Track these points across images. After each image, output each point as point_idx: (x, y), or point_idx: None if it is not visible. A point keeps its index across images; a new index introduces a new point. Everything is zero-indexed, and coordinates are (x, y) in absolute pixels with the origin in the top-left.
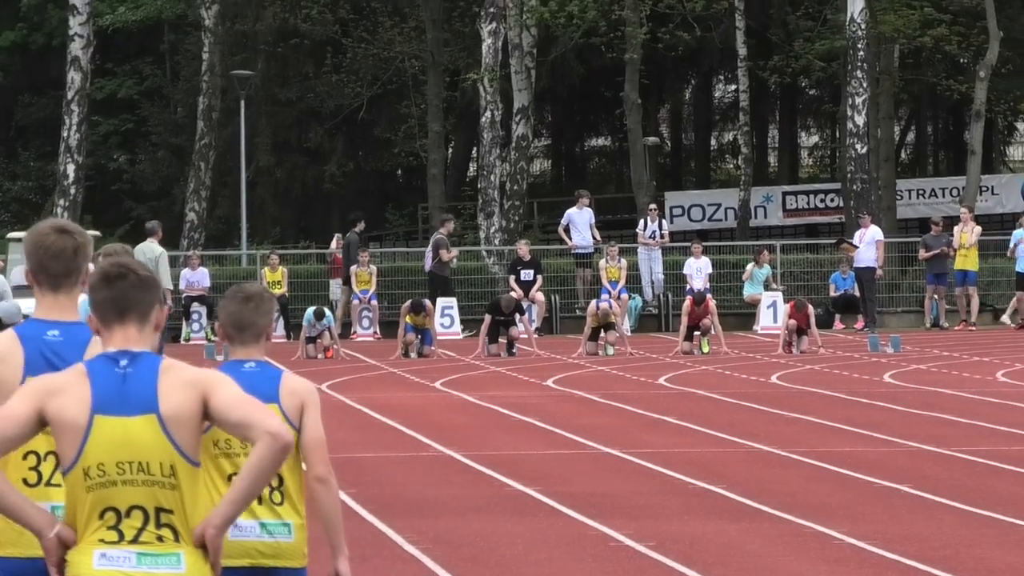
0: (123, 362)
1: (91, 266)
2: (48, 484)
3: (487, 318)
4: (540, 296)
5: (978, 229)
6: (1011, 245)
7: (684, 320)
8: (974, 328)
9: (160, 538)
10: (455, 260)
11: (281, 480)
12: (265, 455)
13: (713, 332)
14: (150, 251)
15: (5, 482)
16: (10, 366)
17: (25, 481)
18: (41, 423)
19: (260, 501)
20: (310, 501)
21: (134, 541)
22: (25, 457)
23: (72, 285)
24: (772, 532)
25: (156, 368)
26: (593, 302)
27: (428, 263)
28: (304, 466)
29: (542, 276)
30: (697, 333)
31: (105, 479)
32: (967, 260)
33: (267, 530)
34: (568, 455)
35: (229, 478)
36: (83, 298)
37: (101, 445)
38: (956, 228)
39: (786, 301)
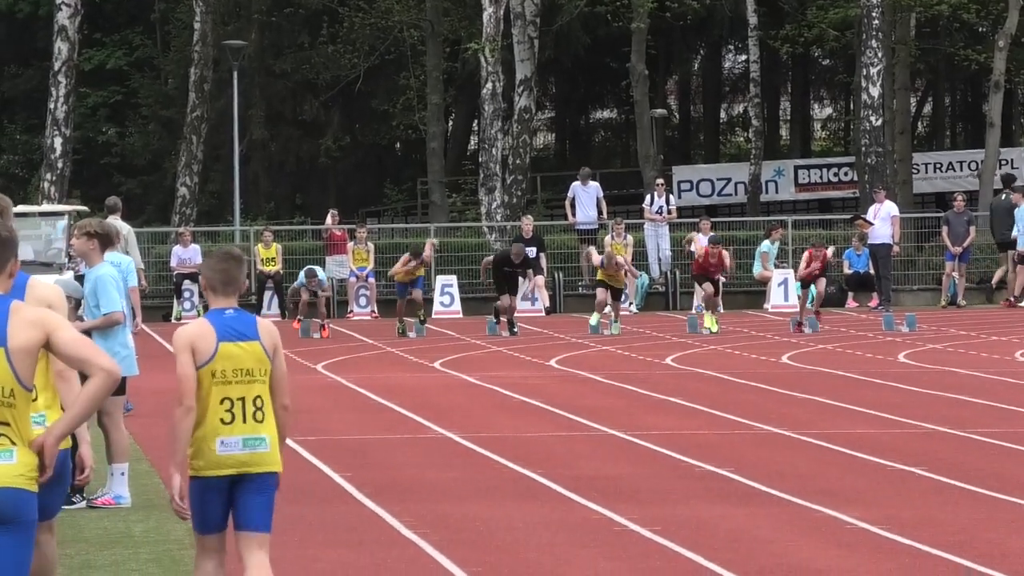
0: None
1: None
2: None
3: (493, 263)
4: (540, 280)
5: None
6: None
7: (695, 268)
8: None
9: None
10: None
11: (262, 403)
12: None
13: (720, 285)
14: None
15: None
16: None
17: None
18: None
19: (244, 420)
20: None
21: None
22: None
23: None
24: (781, 516)
25: (7, 309)
26: (596, 253)
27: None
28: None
29: (545, 254)
30: (703, 310)
31: None
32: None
33: (250, 444)
34: (571, 437)
35: (221, 401)
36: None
37: None
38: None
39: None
